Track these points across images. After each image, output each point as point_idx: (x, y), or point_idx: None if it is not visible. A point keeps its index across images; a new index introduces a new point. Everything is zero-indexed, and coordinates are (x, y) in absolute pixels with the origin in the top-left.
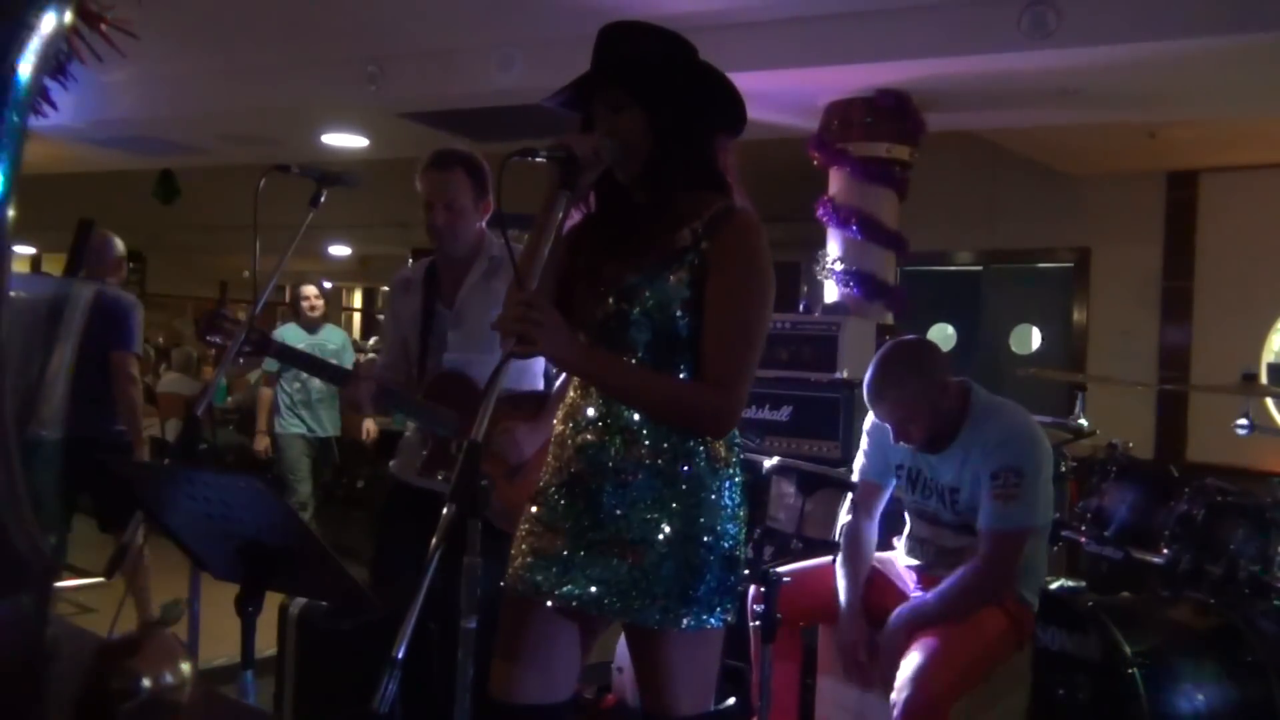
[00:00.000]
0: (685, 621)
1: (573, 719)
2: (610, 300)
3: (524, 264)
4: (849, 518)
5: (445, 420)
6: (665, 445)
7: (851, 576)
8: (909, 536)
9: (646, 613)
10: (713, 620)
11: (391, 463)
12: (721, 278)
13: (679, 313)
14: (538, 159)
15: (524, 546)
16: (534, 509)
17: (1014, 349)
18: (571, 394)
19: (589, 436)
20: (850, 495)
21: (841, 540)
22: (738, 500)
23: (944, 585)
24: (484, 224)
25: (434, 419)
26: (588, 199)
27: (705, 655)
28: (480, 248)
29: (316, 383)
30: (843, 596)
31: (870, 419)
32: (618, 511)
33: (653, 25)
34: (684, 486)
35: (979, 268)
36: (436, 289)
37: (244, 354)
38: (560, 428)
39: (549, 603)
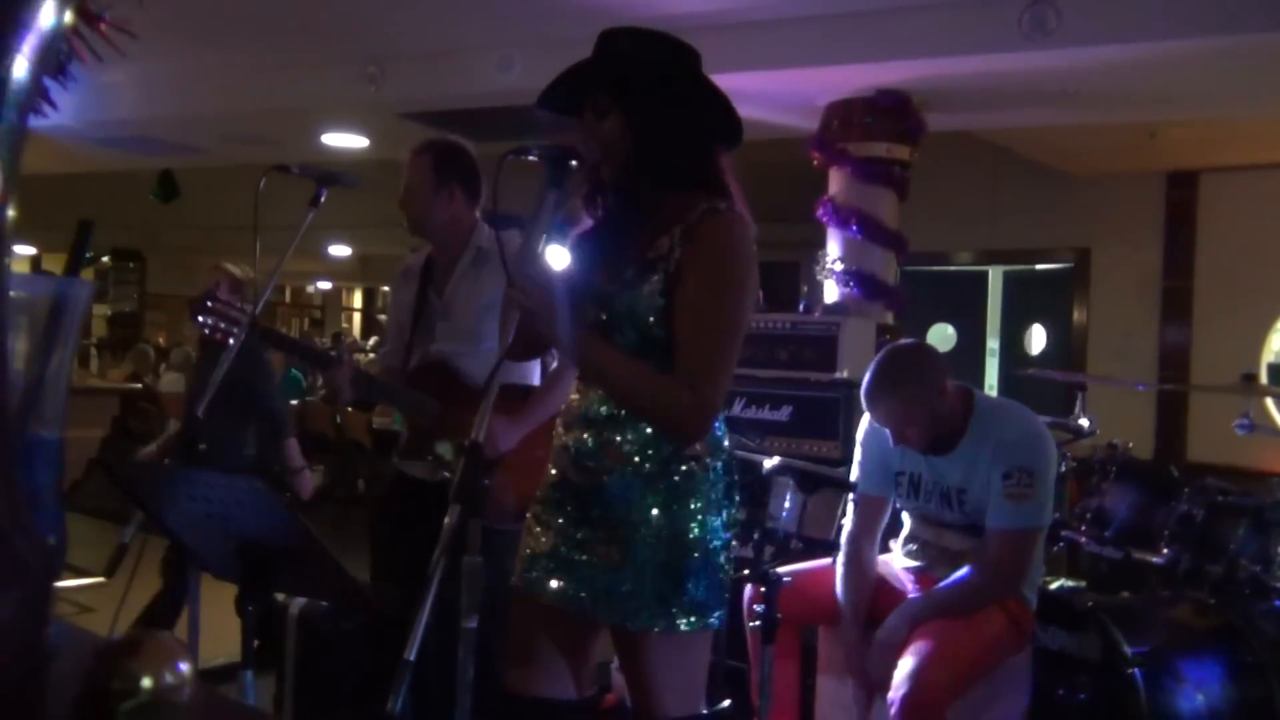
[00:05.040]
0: (664, 624)
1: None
2: (593, 309)
3: (516, 264)
4: (850, 529)
5: (425, 408)
6: (649, 446)
7: (854, 600)
8: (908, 539)
9: (628, 614)
10: (697, 623)
11: (395, 456)
12: (691, 278)
13: (653, 320)
14: (531, 157)
15: (525, 545)
16: (535, 507)
17: (1013, 349)
18: (573, 395)
19: (576, 436)
20: (850, 495)
21: (842, 558)
22: (723, 501)
23: (951, 582)
24: (477, 213)
25: (413, 406)
26: (595, 202)
27: (691, 657)
28: (468, 238)
29: None
30: (846, 616)
31: (863, 429)
32: (601, 511)
33: (650, 31)
34: (667, 487)
35: (979, 268)
36: (431, 279)
37: (233, 334)
38: (558, 428)
39: (544, 600)
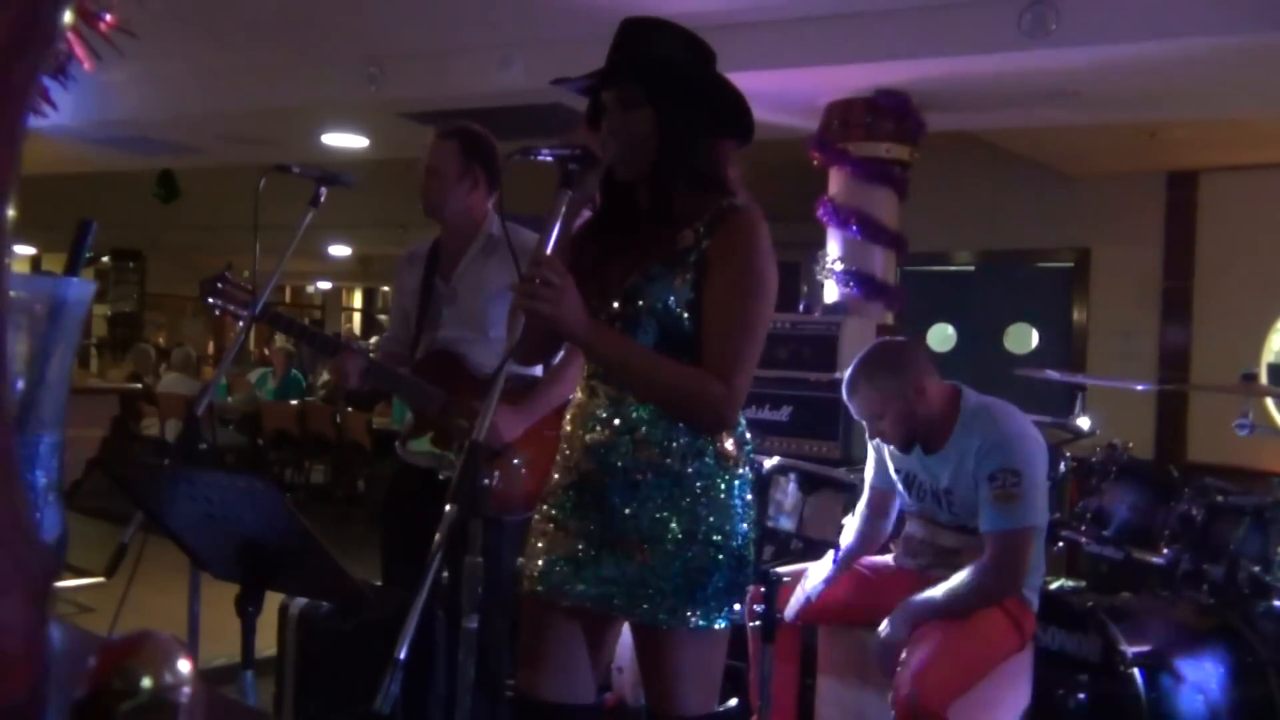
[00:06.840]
0: (693, 621)
1: None
2: (616, 302)
3: (531, 265)
4: (862, 507)
5: (431, 397)
6: (674, 444)
7: (855, 546)
8: (906, 538)
9: (654, 612)
10: (720, 620)
11: (397, 442)
12: (720, 272)
13: (683, 314)
14: (543, 157)
15: (539, 546)
16: (546, 508)
17: (1013, 349)
18: (580, 393)
19: (598, 435)
20: (852, 496)
21: (857, 513)
22: (747, 500)
23: (951, 583)
24: (490, 204)
25: (420, 395)
26: (594, 198)
27: (711, 655)
28: (480, 226)
29: None
30: (842, 553)
31: None
32: (626, 510)
33: (676, 25)
34: (693, 486)
35: (979, 268)
36: (437, 264)
37: (241, 317)
38: (569, 427)
39: (565, 603)
